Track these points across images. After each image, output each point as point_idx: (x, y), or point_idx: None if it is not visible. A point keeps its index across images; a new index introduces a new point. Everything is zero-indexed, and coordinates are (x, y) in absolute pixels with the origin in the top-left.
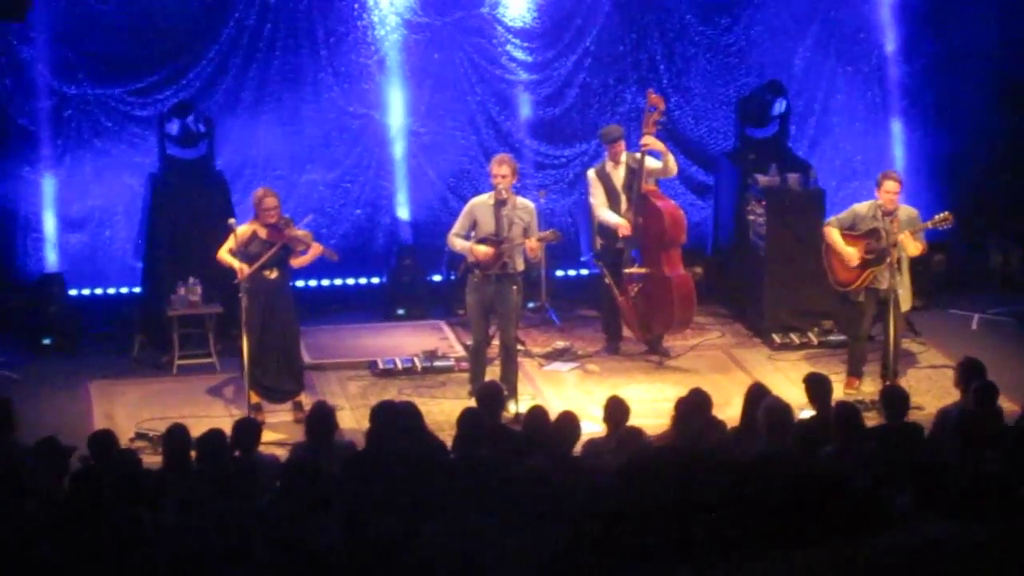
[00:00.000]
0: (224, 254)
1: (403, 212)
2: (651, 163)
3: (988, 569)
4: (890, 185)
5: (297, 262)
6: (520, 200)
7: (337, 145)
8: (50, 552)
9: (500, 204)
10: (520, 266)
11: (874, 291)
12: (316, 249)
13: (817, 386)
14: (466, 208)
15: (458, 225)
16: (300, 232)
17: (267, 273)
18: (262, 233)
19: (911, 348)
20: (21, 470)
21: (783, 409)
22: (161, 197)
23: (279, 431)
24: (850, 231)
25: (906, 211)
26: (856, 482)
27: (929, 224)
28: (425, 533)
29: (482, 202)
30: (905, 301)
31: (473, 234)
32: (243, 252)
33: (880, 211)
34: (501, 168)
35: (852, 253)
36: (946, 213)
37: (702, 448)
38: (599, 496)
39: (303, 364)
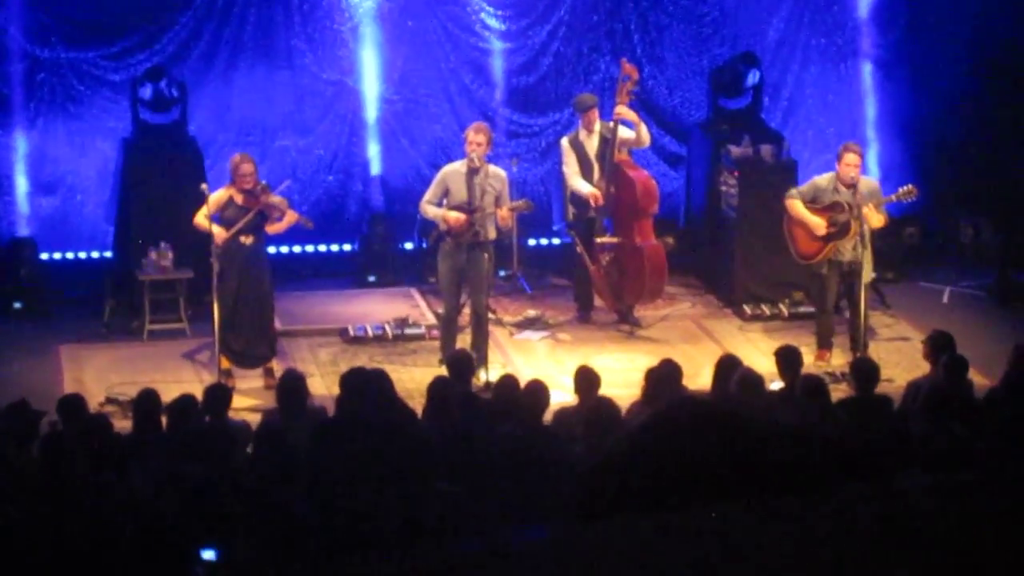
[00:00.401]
0: (200, 219)
1: (375, 179)
2: (624, 133)
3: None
4: (850, 158)
5: (272, 229)
6: (492, 168)
7: (310, 111)
8: (18, 517)
9: (473, 172)
10: (492, 234)
11: (837, 263)
12: (291, 217)
13: (788, 358)
14: (438, 176)
15: (430, 192)
16: (276, 199)
17: (243, 239)
18: (238, 199)
19: (881, 320)
20: None
21: (757, 380)
22: (133, 162)
23: (250, 397)
24: (811, 204)
25: (866, 183)
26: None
27: (894, 197)
28: (387, 500)
29: (454, 170)
30: (867, 273)
31: (445, 202)
32: (219, 217)
33: (840, 184)
34: (478, 136)
35: (819, 222)
36: (910, 186)
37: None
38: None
39: (276, 331)
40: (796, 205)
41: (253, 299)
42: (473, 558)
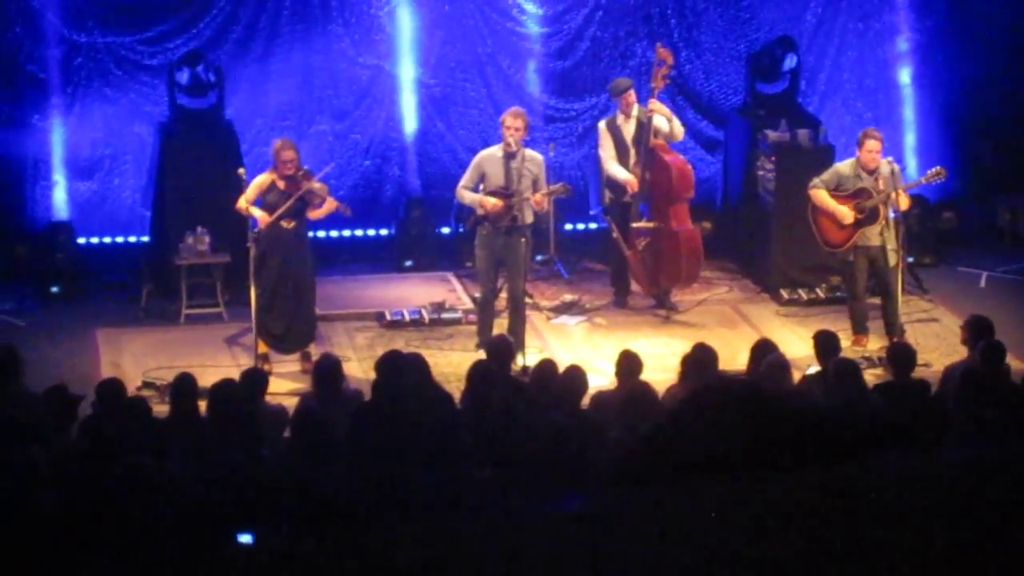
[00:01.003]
0: (242, 203)
1: (412, 164)
2: (659, 123)
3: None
4: (871, 144)
5: (313, 214)
6: (529, 152)
7: (346, 96)
8: (58, 500)
9: (509, 157)
10: (529, 219)
11: (864, 248)
12: (331, 204)
13: (826, 343)
14: (475, 161)
15: (467, 178)
16: (317, 185)
17: (284, 223)
18: (280, 184)
19: (919, 305)
20: (29, 418)
21: (784, 364)
22: (170, 146)
23: (286, 381)
24: (836, 191)
25: (888, 165)
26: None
27: (923, 180)
28: (425, 483)
29: (491, 155)
30: (892, 256)
31: (482, 187)
32: (262, 201)
33: (863, 170)
34: (516, 121)
35: (845, 211)
36: (938, 168)
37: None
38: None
39: (315, 316)
40: (821, 195)
41: (294, 284)
42: (507, 527)
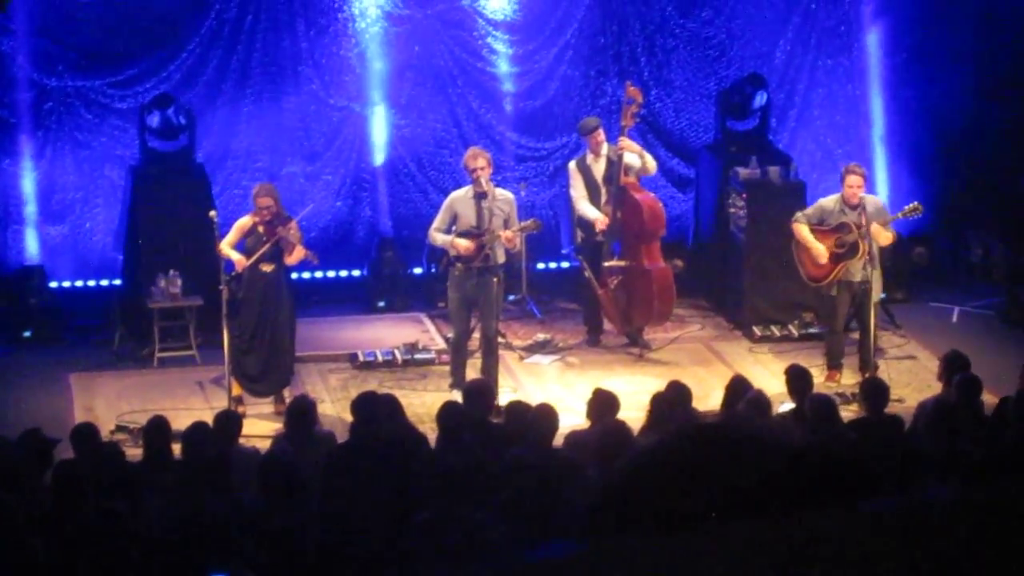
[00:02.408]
0: (223, 246)
1: (383, 204)
2: (630, 160)
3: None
4: (853, 179)
5: (287, 260)
6: (500, 192)
7: (317, 137)
8: (34, 545)
9: (480, 196)
10: (501, 258)
11: (847, 284)
12: (299, 252)
13: (798, 379)
14: (446, 202)
15: (439, 220)
16: (291, 233)
17: (263, 267)
18: (260, 228)
19: (892, 341)
20: (2, 463)
21: (765, 402)
22: (142, 189)
23: (260, 423)
24: (819, 226)
25: (872, 201)
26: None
27: (900, 215)
28: (414, 525)
29: (462, 196)
30: (875, 292)
31: (455, 228)
32: (243, 245)
33: (846, 204)
34: (477, 161)
35: (821, 250)
36: (916, 203)
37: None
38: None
39: (293, 360)
40: (802, 229)
41: (270, 327)
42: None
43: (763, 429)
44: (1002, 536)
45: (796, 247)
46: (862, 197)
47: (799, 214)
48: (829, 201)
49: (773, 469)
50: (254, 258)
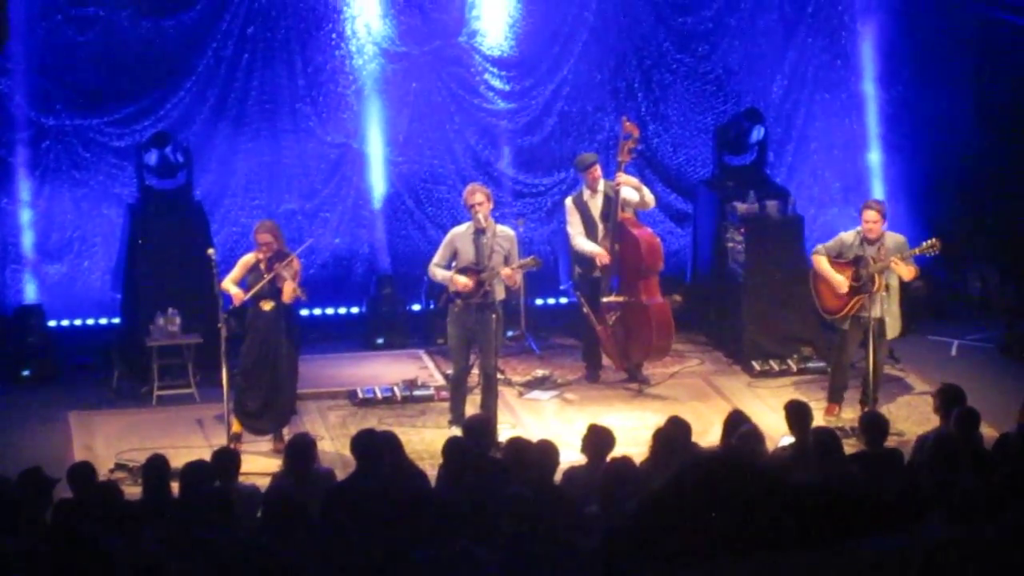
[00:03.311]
0: (226, 283)
1: (382, 241)
2: (628, 194)
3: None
4: (869, 215)
5: (284, 297)
6: (500, 228)
7: (315, 174)
8: None
9: (480, 233)
10: (501, 295)
11: (859, 319)
12: (287, 288)
13: (797, 414)
14: (446, 238)
15: (438, 256)
16: (287, 270)
17: (262, 304)
18: (262, 265)
19: (891, 374)
20: (4, 502)
21: (758, 436)
22: (139, 228)
23: (259, 460)
24: (837, 259)
25: (893, 238)
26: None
27: (917, 251)
28: (414, 562)
29: (462, 232)
30: (892, 329)
31: (454, 264)
32: (245, 281)
33: (865, 239)
34: (475, 196)
35: (841, 280)
36: (933, 240)
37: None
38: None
39: (294, 399)
40: (821, 261)
41: (270, 366)
42: None
43: (762, 462)
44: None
45: (814, 279)
46: (883, 233)
47: (819, 246)
48: (849, 235)
49: (776, 505)
50: (250, 294)
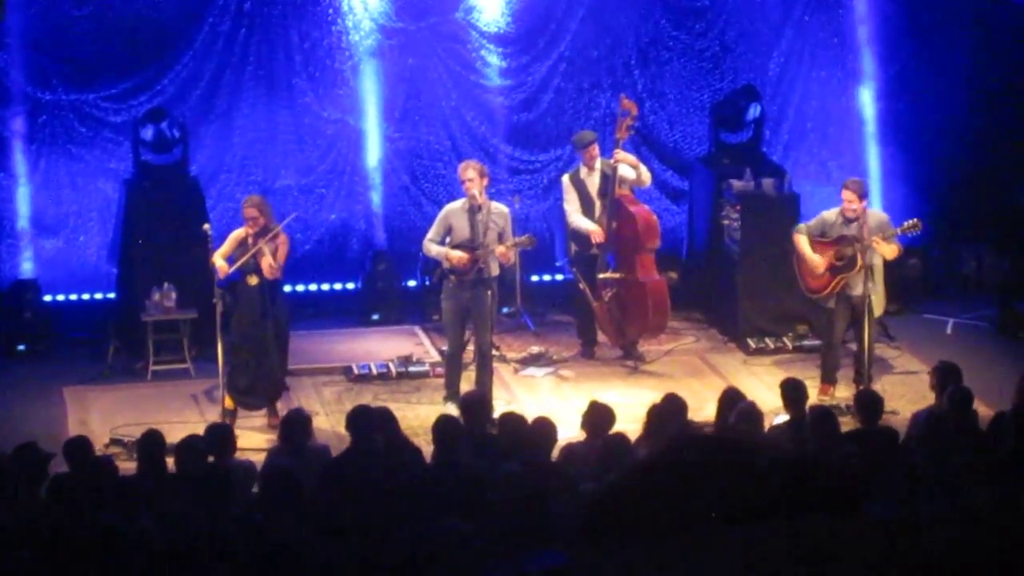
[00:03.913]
0: (216, 256)
1: (378, 217)
2: (625, 172)
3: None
4: (846, 195)
5: (264, 272)
6: (495, 205)
7: (311, 150)
8: (30, 560)
9: (475, 209)
10: (495, 271)
11: (846, 297)
12: (266, 264)
13: (793, 391)
14: (441, 214)
15: (433, 231)
16: (270, 246)
17: (248, 279)
18: (249, 240)
19: (886, 353)
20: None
21: (756, 413)
22: (135, 203)
23: (254, 436)
24: (821, 238)
25: (875, 216)
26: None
27: (899, 230)
28: (408, 537)
29: (457, 208)
30: (878, 306)
31: (448, 240)
32: (232, 256)
33: (845, 218)
34: (467, 172)
35: (818, 261)
36: (915, 220)
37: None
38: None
39: (283, 374)
40: (801, 240)
41: (257, 340)
42: None
43: (759, 439)
44: (996, 544)
45: (796, 258)
46: (865, 211)
47: (800, 225)
48: (831, 214)
49: (765, 479)
50: (234, 267)
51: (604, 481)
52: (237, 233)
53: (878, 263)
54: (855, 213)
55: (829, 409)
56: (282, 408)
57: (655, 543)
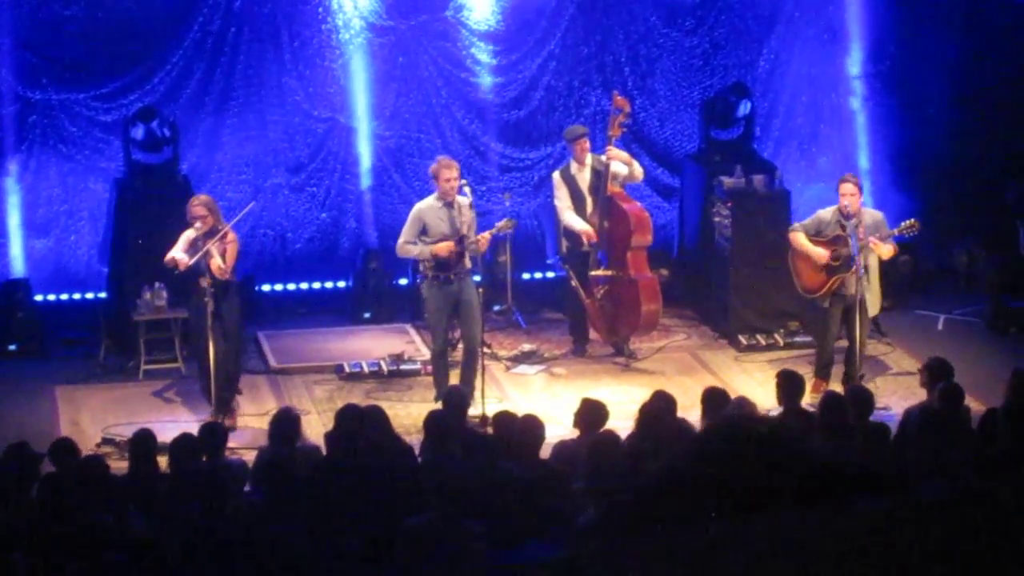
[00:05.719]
0: (169, 255)
1: (368, 216)
2: (617, 168)
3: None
4: (846, 188)
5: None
6: (459, 199)
7: (302, 149)
8: (21, 560)
9: (450, 204)
10: (469, 264)
11: (841, 297)
12: (215, 265)
13: (788, 382)
14: (412, 215)
15: (407, 233)
16: (214, 247)
17: (201, 281)
18: (199, 240)
19: (878, 349)
20: None
21: (751, 407)
22: (126, 202)
23: (245, 436)
24: (816, 237)
25: (871, 215)
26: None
27: (896, 231)
28: (400, 534)
29: (429, 206)
30: (873, 306)
31: (425, 239)
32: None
33: (842, 216)
34: (452, 172)
35: (822, 253)
36: (912, 220)
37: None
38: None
39: (224, 377)
40: (799, 237)
41: (203, 342)
42: None
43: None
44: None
45: (793, 257)
46: (860, 209)
47: (796, 224)
48: (826, 212)
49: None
50: (187, 265)
51: (600, 479)
52: (188, 234)
53: (873, 263)
54: (855, 207)
55: (841, 396)
56: (275, 407)
57: (672, 533)
